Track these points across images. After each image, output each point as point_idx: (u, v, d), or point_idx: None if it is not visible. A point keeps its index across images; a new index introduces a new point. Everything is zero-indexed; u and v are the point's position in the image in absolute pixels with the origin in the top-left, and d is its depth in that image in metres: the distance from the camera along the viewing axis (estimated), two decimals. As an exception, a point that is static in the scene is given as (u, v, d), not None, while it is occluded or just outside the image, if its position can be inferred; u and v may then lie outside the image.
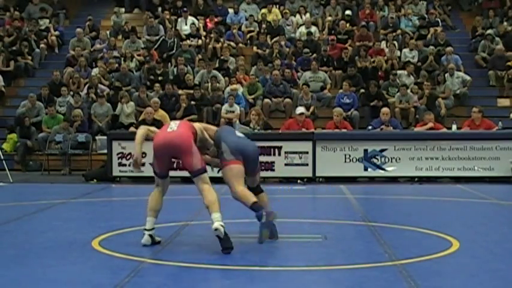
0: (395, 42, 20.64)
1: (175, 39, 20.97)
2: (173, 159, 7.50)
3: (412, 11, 22.31)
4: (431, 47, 20.13)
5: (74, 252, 7.06)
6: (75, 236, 7.91)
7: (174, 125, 7.47)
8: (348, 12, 22.28)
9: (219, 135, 7.74)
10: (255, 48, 20.95)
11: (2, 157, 15.79)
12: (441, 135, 14.96)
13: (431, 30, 21.31)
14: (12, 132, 17.96)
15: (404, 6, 22.64)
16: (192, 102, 17.90)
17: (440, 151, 14.40)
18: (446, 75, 18.92)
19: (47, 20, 22.71)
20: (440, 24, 21.79)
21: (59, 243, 7.51)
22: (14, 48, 21.17)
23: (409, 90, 18.08)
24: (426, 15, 22.16)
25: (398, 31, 21.43)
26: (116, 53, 20.74)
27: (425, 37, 21.10)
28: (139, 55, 20.44)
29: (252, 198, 7.42)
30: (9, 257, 6.78)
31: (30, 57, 21.08)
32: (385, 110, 15.76)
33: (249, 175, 7.78)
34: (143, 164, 7.93)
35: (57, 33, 22.37)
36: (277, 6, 23.12)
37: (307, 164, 14.35)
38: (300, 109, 15.77)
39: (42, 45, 21.61)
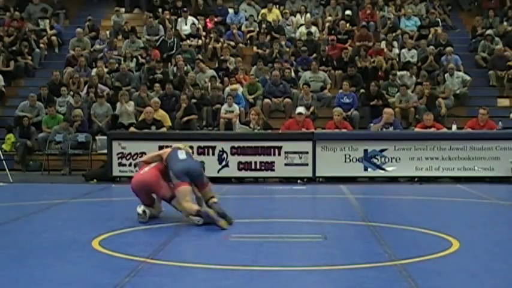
0: (395, 42, 20.65)
1: (175, 39, 20.98)
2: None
3: (412, 11, 22.32)
4: (432, 47, 20.15)
5: (74, 252, 7.05)
6: (75, 236, 7.91)
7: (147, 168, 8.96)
8: (348, 12, 22.30)
9: (167, 165, 8.86)
10: (255, 48, 20.96)
11: (2, 157, 15.79)
12: (441, 135, 14.96)
13: (432, 30, 21.33)
14: (10, 133, 17.97)
15: (404, 6, 22.65)
16: (193, 100, 17.88)
17: (441, 151, 14.39)
18: (446, 75, 18.94)
19: (48, 20, 22.72)
20: (440, 24, 21.80)
21: (59, 243, 7.51)
22: (14, 48, 21.17)
23: (410, 90, 18.10)
24: (426, 15, 22.18)
25: (398, 31, 21.45)
26: (115, 53, 20.75)
27: (425, 37, 21.09)
28: (140, 55, 20.43)
29: (195, 207, 8.57)
30: (9, 257, 6.77)
31: (30, 57, 21.08)
32: (389, 110, 15.75)
33: (200, 189, 8.87)
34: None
35: (54, 31, 22.36)
36: (277, 6, 23.14)
37: (307, 164, 14.35)
38: (299, 109, 15.79)
39: (42, 45, 21.61)
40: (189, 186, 8.64)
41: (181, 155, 8.87)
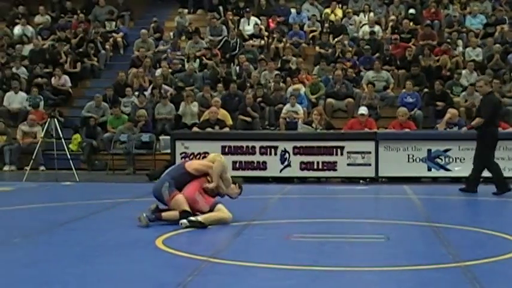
0: (459, 41, 20.37)
1: (238, 40, 21.08)
2: None
3: (478, 8, 21.96)
4: (498, 45, 19.80)
5: (138, 250, 7.15)
6: (139, 234, 8.01)
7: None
8: (411, 11, 22.08)
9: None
10: (317, 48, 20.92)
11: (69, 157, 16.11)
12: (507, 134, 14.66)
13: (498, 28, 20.95)
14: (76, 133, 18.32)
15: (469, 4, 22.32)
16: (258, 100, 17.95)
17: (506, 151, 14.11)
18: (512, 73, 18.61)
19: (114, 22, 23.09)
20: (507, 22, 21.39)
21: (124, 241, 7.62)
22: (80, 50, 21.58)
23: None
24: (492, 13, 21.80)
25: (464, 29, 21.14)
26: (179, 54, 20.94)
27: (491, 35, 20.73)
28: (203, 55, 20.57)
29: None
30: (75, 254, 6.90)
31: (96, 59, 21.45)
32: (454, 111, 15.54)
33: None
34: None
35: (121, 34, 22.73)
36: (340, 5, 23.05)
37: (369, 164, 14.27)
38: (362, 110, 15.70)
39: (107, 47, 21.96)
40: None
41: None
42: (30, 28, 22.85)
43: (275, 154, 14.46)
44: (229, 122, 16.44)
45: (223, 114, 16.42)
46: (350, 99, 18.20)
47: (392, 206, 11.41)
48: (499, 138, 12.32)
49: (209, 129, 15.60)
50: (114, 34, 22.76)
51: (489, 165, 12.14)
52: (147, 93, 18.95)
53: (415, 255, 6.99)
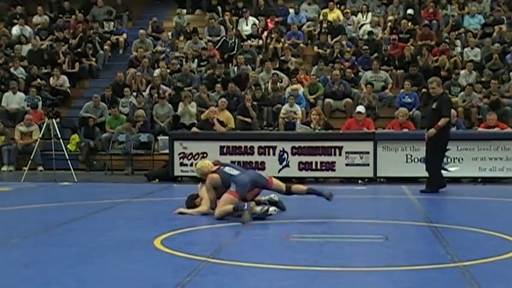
0: (457, 41, 20.38)
1: (236, 40, 21.08)
2: None
3: (476, 8, 21.97)
4: (497, 45, 19.81)
5: (136, 250, 7.15)
6: (137, 234, 8.01)
7: None
8: (410, 11, 22.09)
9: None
10: (315, 48, 20.92)
11: (67, 157, 16.11)
12: (505, 135, 14.70)
13: (496, 28, 20.97)
14: (75, 133, 18.32)
15: (467, 4, 22.33)
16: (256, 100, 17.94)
17: (505, 151, 14.15)
18: (511, 73, 18.60)
19: (112, 23, 23.09)
20: (505, 21, 21.41)
21: (122, 241, 7.61)
22: (78, 50, 21.58)
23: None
24: (490, 13, 21.81)
25: (461, 29, 21.15)
26: (177, 54, 20.94)
27: (489, 35, 20.74)
28: (201, 56, 20.57)
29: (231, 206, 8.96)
30: (73, 254, 6.90)
31: (94, 59, 21.45)
32: (453, 112, 15.53)
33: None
34: None
35: (125, 35, 22.72)
36: (338, 5, 23.06)
37: (368, 164, 14.27)
38: (359, 108, 15.73)
39: (106, 47, 21.96)
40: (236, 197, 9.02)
41: (232, 171, 9.34)
42: (28, 28, 22.85)
43: (273, 154, 14.46)
44: (232, 125, 16.27)
45: (227, 116, 16.30)
46: (348, 100, 18.22)
47: (391, 206, 11.42)
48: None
49: (214, 119, 15.41)
50: (116, 35, 22.73)
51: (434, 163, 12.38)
52: (145, 93, 18.95)
53: (413, 255, 6.99)
